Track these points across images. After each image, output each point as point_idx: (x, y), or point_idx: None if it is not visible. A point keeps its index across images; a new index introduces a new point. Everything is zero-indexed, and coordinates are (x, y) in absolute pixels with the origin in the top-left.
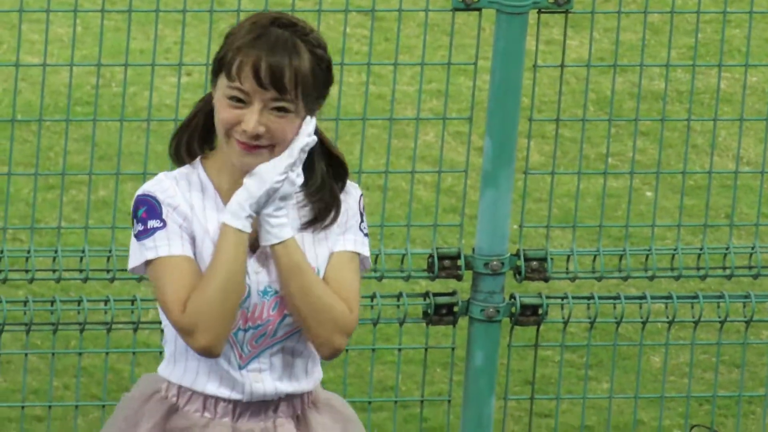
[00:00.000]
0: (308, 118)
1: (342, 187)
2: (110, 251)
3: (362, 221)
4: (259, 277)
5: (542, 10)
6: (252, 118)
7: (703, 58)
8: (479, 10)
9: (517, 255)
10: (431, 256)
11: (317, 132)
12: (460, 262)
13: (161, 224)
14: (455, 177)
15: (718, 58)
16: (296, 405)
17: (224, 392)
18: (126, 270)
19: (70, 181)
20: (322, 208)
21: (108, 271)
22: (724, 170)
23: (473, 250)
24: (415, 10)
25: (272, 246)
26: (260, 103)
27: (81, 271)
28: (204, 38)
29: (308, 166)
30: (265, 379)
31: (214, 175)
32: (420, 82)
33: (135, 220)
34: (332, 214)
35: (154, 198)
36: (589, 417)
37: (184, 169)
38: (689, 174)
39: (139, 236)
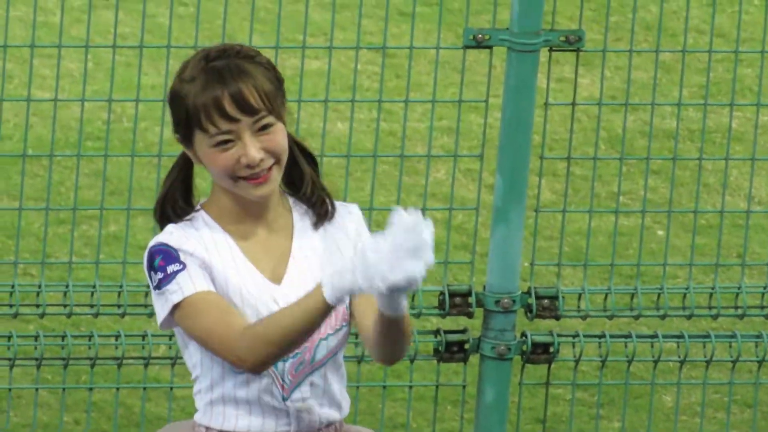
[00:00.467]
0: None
1: (317, 173)
2: (121, 286)
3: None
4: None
5: (553, 48)
6: (249, 149)
7: (715, 97)
8: (490, 47)
9: (528, 293)
10: (442, 293)
11: (289, 136)
12: (471, 300)
13: (181, 266)
14: (466, 214)
15: (730, 97)
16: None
17: (270, 426)
18: (136, 305)
19: (81, 215)
20: (322, 205)
21: (119, 306)
22: (735, 209)
23: (484, 287)
24: (426, 48)
25: (395, 318)
26: (246, 132)
27: (92, 306)
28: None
29: (294, 170)
30: (311, 407)
31: (218, 219)
32: (431, 119)
33: (152, 272)
34: (329, 206)
35: (168, 245)
36: None
37: (188, 217)
38: (701, 213)
39: (161, 284)
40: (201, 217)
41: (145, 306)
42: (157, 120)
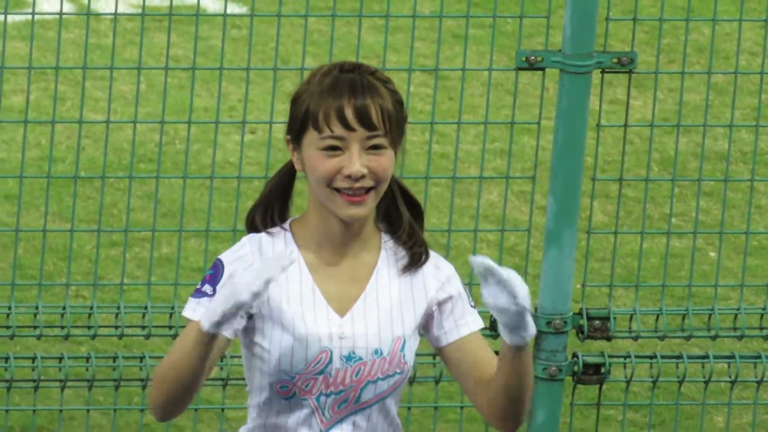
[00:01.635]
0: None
1: (421, 226)
2: (173, 308)
3: (469, 298)
4: (343, 342)
5: (606, 69)
6: (354, 161)
7: (767, 119)
8: (543, 69)
9: (579, 314)
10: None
11: (394, 178)
12: None
13: (212, 292)
14: (518, 236)
15: None
16: None
17: None
18: None
19: (133, 237)
20: (417, 252)
21: (170, 327)
22: None
23: (536, 308)
24: (479, 69)
25: (519, 349)
26: (357, 145)
27: (143, 327)
28: (268, 96)
29: (393, 212)
30: None
31: (300, 239)
32: (483, 141)
33: (202, 281)
34: (424, 255)
35: (222, 265)
36: None
37: (274, 230)
38: (752, 234)
39: (194, 294)
40: (284, 235)
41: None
42: (210, 142)
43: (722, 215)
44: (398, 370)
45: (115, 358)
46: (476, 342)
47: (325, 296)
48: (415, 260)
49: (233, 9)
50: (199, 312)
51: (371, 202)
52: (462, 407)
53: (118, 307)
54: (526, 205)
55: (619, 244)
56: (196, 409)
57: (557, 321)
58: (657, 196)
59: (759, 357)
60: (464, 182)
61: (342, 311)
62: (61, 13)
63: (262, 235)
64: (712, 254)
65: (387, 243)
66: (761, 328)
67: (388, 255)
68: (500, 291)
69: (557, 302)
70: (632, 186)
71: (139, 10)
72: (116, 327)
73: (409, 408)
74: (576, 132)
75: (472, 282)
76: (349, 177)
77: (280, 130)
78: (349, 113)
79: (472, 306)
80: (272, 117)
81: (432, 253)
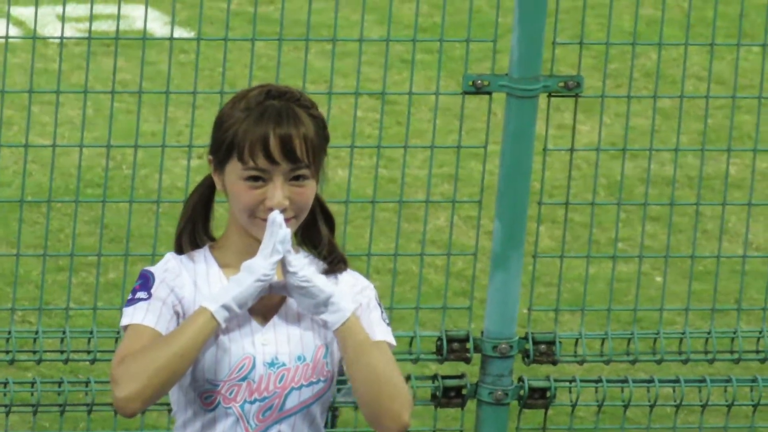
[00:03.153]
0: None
1: (333, 234)
2: (119, 332)
3: (382, 313)
4: (266, 348)
5: (552, 93)
6: (276, 194)
7: (714, 144)
8: (489, 93)
9: (525, 338)
10: (440, 338)
11: (315, 195)
12: (469, 345)
13: (147, 296)
14: (465, 261)
15: (728, 143)
16: None
17: None
18: None
19: (80, 262)
20: (336, 264)
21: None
22: (732, 255)
23: (482, 333)
24: (425, 93)
25: (337, 330)
26: (280, 177)
27: (89, 352)
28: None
29: (313, 230)
30: None
31: (221, 258)
32: (430, 166)
33: (131, 292)
34: (342, 263)
35: (152, 274)
36: None
37: (191, 253)
38: (698, 259)
39: (126, 304)
40: (203, 253)
41: None
42: (158, 167)
43: (668, 240)
44: (322, 378)
45: (60, 383)
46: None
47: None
48: (335, 264)
49: (180, 33)
50: (138, 315)
51: (291, 229)
52: None
53: (64, 332)
54: (473, 230)
55: (566, 269)
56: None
57: (503, 345)
58: (604, 221)
59: (704, 381)
60: (411, 207)
61: (263, 322)
62: (7, 37)
63: (183, 256)
64: (658, 279)
65: (306, 257)
66: (706, 352)
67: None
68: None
69: (503, 326)
70: (579, 211)
71: (86, 34)
72: (62, 352)
73: None
74: (523, 156)
75: (419, 306)
76: (270, 209)
77: None
78: (274, 146)
79: (385, 322)
80: None
81: (351, 270)
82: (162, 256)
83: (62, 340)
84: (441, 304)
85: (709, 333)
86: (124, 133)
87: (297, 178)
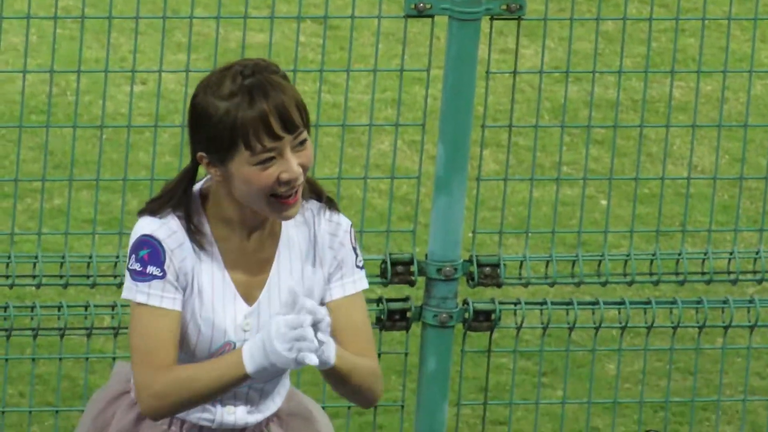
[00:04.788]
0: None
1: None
2: (63, 257)
3: (357, 257)
4: (246, 335)
5: (494, 16)
6: (291, 167)
7: (658, 67)
8: (431, 17)
9: (470, 261)
10: (384, 261)
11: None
12: (413, 268)
13: (161, 274)
14: (410, 185)
15: (672, 66)
16: (261, 425)
17: (193, 418)
18: (79, 276)
19: (25, 189)
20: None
21: (61, 276)
22: (676, 177)
23: (426, 256)
24: (368, 17)
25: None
26: (287, 150)
27: (34, 277)
28: (158, 47)
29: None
30: (237, 412)
31: (213, 222)
32: (372, 90)
33: (134, 257)
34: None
35: (159, 243)
36: (543, 424)
37: (190, 211)
38: (642, 182)
39: (136, 277)
40: (197, 214)
41: (88, 277)
42: (101, 94)
43: (612, 163)
44: None
45: (5, 308)
46: (345, 307)
47: (234, 283)
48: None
49: None
50: (155, 297)
51: (300, 193)
52: None
53: (9, 257)
54: (417, 154)
55: (510, 193)
56: (87, 358)
57: (447, 268)
58: (548, 145)
59: (649, 303)
60: (356, 132)
61: (250, 300)
62: None
63: (182, 216)
64: (603, 202)
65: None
66: (651, 274)
67: (290, 238)
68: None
69: (447, 249)
70: (523, 134)
71: None
72: (7, 277)
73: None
74: (465, 79)
75: (363, 230)
76: (288, 182)
77: (170, 81)
78: (275, 124)
79: (359, 266)
80: (161, 67)
81: (330, 211)
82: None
83: (7, 265)
84: (385, 228)
85: (654, 255)
86: (67, 60)
87: (301, 143)
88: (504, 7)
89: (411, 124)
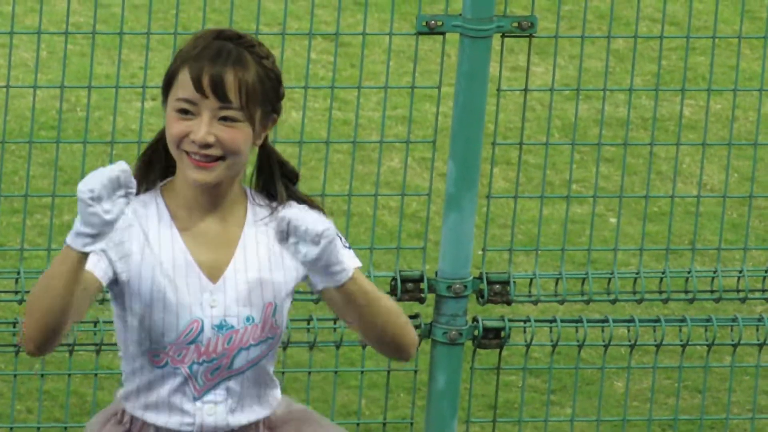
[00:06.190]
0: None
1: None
2: None
3: (341, 239)
4: (214, 311)
5: (506, 34)
6: (201, 128)
7: (668, 85)
8: (443, 34)
9: (480, 278)
10: (394, 278)
11: (270, 148)
12: (423, 285)
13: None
14: (420, 202)
15: (682, 84)
16: (250, 430)
17: (174, 423)
18: None
19: (35, 205)
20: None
21: None
22: (686, 195)
23: (436, 273)
24: (379, 34)
25: (342, 287)
26: (208, 113)
27: None
28: (168, 63)
29: (272, 188)
30: (218, 411)
31: (171, 203)
32: (383, 107)
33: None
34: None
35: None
36: None
37: (144, 197)
38: (652, 200)
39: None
40: (156, 200)
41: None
42: (111, 109)
43: (622, 181)
44: (270, 335)
45: (14, 324)
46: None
47: (196, 262)
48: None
49: None
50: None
51: (220, 171)
52: (362, 372)
53: (18, 273)
54: (427, 171)
55: (520, 211)
56: (95, 375)
57: (457, 285)
58: (558, 163)
59: (658, 321)
60: (366, 149)
61: (214, 278)
62: None
63: (136, 202)
64: (612, 220)
65: (260, 212)
66: (660, 292)
67: (256, 222)
68: (303, 243)
69: (457, 266)
70: (533, 152)
71: None
72: (16, 292)
73: (309, 373)
74: (476, 96)
75: (373, 247)
76: (194, 142)
77: None
78: (205, 80)
79: (346, 246)
80: None
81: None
82: None
83: (17, 281)
84: (395, 245)
85: (663, 273)
86: (78, 76)
87: (226, 119)
88: (515, 24)
89: (422, 141)
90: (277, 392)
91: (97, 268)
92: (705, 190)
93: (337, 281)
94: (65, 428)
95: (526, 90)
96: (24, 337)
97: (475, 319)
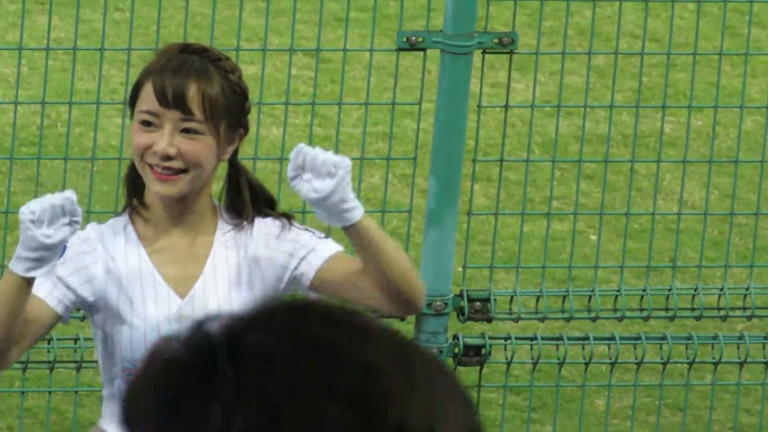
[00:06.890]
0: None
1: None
2: None
3: (313, 233)
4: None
5: (487, 50)
6: (163, 140)
7: (649, 102)
8: (424, 50)
9: (460, 295)
10: None
11: (237, 165)
12: None
13: (60, 258)
14: (400, 219)
15: (663, 101)
16: None
17: None
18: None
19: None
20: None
21: None
22: (667, 212)
23: None
24: (360, 50)
25: (353, 227)
26: (170, 125)
27: None
28: None
29: (237, 201)
30: None
31: (139, 221)
32: (364, 123)
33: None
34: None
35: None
36: None
37: (112, 220)
38: (633, 217)
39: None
40: (124, 222)
41: (78, 310)
42: (92, 125)
43: (603, 197)
44: None
45: None
46: (333, 262)
47: (164, 277)
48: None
49: None
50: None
51: (183, 184)
52: None
53: None
54: (408, 188)
55: (501, 227)
56: (76, 392)
57: (438, 303)
58: (539, 180)
59: (639, 338)
60: None
61: (183, 293)
62: None
63: (104, 226)
64: (593, 237)
65: (227, 228)
66: (641, 310)
67: (226, 238)
68: (318, 178)
69: (438, 284)
70: (513, 168)
71: None
72: None
73: None
74: (457, 112)
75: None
76: (155, 154)
77: None
78: (168, 92)
79: (319, 237)
80: None
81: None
82: (97, 214)
83: None
84: None
85: (644, 291)
86: (58, 92)
87: (188, 131)
88: (496, 41)
89: (402, 158)
90: None
91: (50, 296)
92: (686, 207)
93: (351, 218)
94: None
95: (506, 106)
96: None
97: (455, 337)
